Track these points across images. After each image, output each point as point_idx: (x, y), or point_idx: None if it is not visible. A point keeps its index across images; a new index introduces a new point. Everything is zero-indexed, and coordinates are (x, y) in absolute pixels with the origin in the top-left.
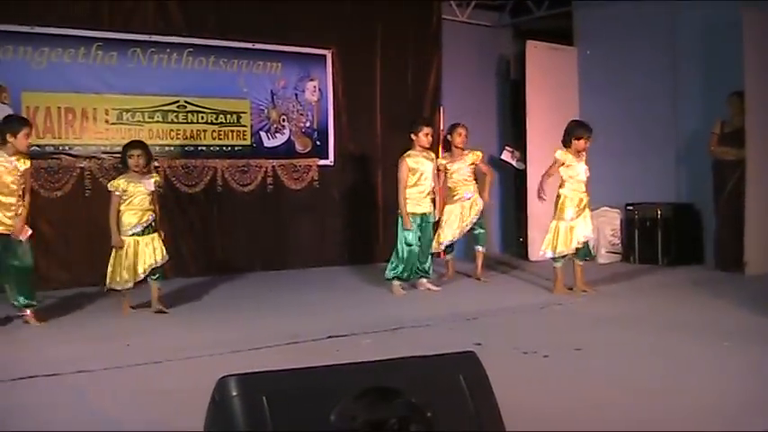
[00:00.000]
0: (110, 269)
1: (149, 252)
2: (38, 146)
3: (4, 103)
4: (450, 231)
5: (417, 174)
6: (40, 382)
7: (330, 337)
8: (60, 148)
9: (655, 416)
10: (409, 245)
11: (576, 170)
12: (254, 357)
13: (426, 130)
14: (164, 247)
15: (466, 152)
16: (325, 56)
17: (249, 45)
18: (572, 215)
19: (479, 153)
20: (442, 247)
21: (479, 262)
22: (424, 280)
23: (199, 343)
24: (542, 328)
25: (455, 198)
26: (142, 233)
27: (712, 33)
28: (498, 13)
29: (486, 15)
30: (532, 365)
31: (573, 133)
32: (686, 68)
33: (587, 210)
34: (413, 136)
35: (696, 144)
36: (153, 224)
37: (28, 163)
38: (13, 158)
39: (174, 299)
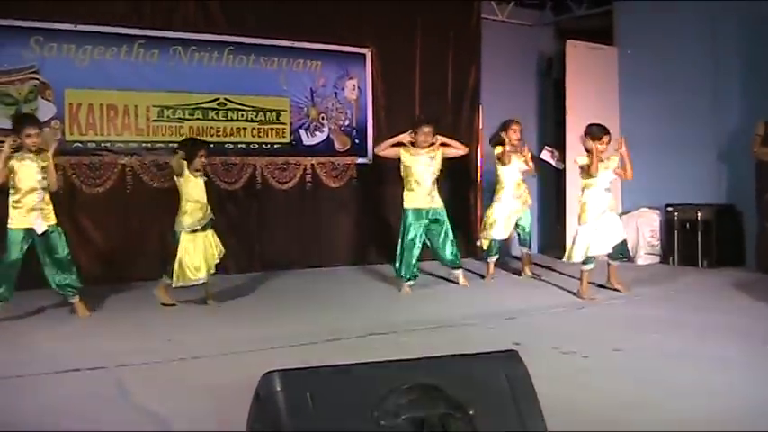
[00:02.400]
0: (176, 266)
1: (212, 249)
2: (80, 142)
3: (48, 100)
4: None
5: (405, 168)
6: (82, 376)
7: (371, 334)
8: (102, 144)
9: (694, 418)
10: (411, 240)
11: (598, 176)
12: (296, 354)
13: (426, 129)
14: (219, 242)
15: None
16: (364, 54)
17: (289, 44)
18: (593, 219)
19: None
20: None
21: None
22: (457, 271)
23: (241, 339)
24: (581, 328)
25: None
26: (203, 229)
27: (754, 33)
28: (538, 11)
29: (526, 14)
30: (572, 366)
31: (588, 136)
32: (727, 68)
33: (612, 212)
34: (411, 136)
35: (737, 145)
36: (212, 219)
37: (45, 160)
38: (32, 155)
39: (214, 296)
